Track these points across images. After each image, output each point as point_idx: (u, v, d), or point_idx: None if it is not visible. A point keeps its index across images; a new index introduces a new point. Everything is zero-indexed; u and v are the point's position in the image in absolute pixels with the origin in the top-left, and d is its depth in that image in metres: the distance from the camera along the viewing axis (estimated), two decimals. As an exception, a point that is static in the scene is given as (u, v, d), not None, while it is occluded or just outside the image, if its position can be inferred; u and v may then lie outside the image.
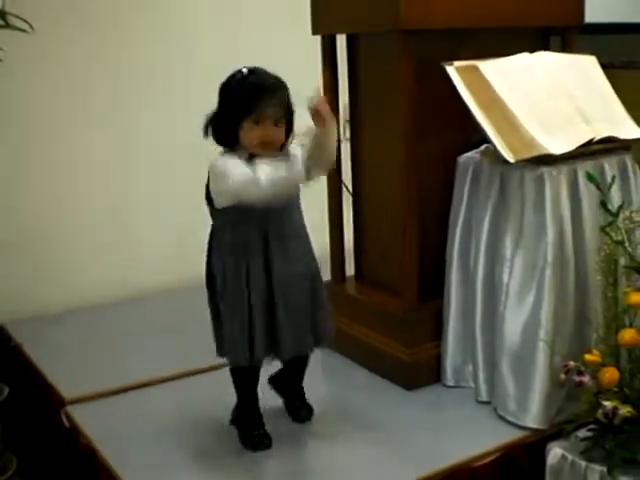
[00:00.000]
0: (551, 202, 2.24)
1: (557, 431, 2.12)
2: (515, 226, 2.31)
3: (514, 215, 2.31)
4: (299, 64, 3.19)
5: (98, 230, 3.41)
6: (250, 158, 2.04)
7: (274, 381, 2.35)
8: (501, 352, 2.32)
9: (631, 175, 2.44)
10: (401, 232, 2.50)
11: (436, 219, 2.53)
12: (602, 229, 2.09)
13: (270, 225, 2.09)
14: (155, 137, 3.45)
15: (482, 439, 2.21)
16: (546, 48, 2.67)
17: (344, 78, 2.76)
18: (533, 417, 2.24)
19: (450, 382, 2.51)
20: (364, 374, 2.62)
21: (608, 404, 1.93)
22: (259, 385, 2.24)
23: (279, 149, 2.08)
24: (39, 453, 2.57)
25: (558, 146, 2.30)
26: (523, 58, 2.49)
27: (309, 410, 2.33)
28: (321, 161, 2.11)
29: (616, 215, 2.08)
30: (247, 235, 2.08)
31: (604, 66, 2.63)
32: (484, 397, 2.41)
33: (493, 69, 2.41)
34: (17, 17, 2.52)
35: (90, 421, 2.36)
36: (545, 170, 2.26)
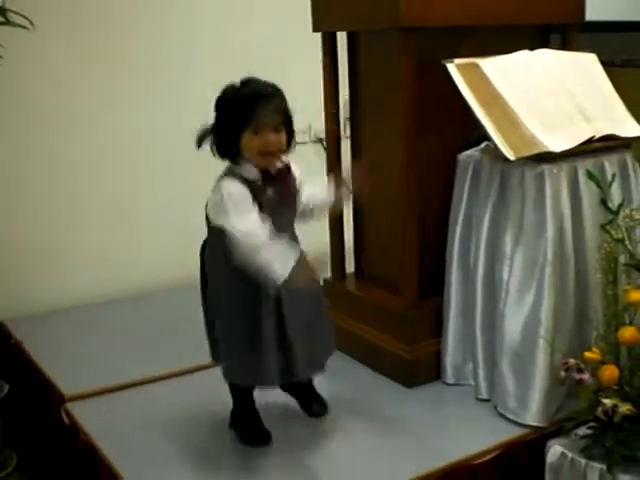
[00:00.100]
0: (551, 200, 2.24)
1: (557, 429, 2.12)
2: (515, 224, 2.31)
3: (514, 213, 2.31)
4: (299, 62, 3.21)
5: (98, 228, 3.41)
6: (264, 181, 2.04)
7: (285, 385, 2.33)
8: (501, 350, 2.32)
9: (631, 173, 2.44)
10: (401, 229, 2.50)
11: (436, 216, 2.53)
12: (602, 227, 2.10)
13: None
14: (156, 136, 3.45)
15: (482, 437, 2.21)
16: (546, 46, 2.67)
17: (344, 75, 2.76)
18: (533, 415, 2.24)
19: (450, 380, 2.51)
20: (364, 371, 2.62)
21: (608, 402, 1.93)
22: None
23: (282, 154, 2.08)
24: (39, 450, 2.57)
25: (558, 144, 2.30)
26: (523, 56, 2.49)
27: (323, 404, 2.30)
28: (314, 216, 2.21)
29: (616, 213, 2.08)
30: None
31: (604, 64, 2.63)
32: (484, 395, 2.41)
33: (493, 67, 2.40)
34: (17, 14, 2.52)
35: (90, 418, 2.36)
36: (545, 168, 2.26)
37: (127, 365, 2.69)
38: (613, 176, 2.29)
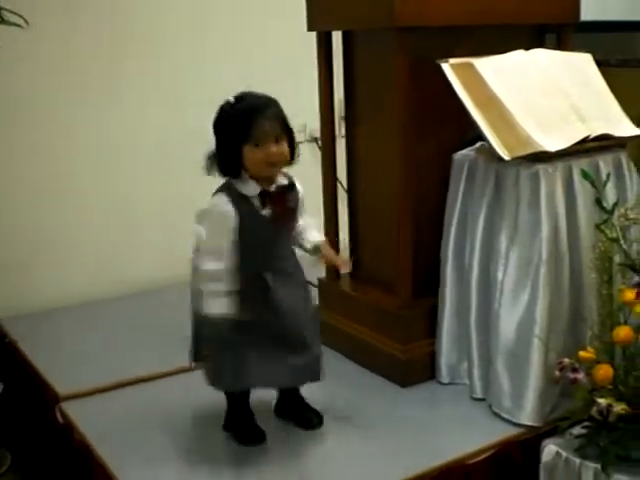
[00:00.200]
0: (546, 199, 2.25)
1: (552, 428, 2.12)
2: (510, 223, 2.31)
3: (509, 212, 2.31)
4: (294, 61, 3.21)
5: (95, 227, 3.41)
6: (262, 200, 2.05)
7: (278, 409, 2.35)
8: (496, 349, 2.32)
9: (626, 173, 2.45)
10: (396, 229, 2.50)
11: (431, 216, 2.53)
12: (597, 226, 2.10)
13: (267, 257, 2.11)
14: (154, 135, 3.45)
15: (477, 436, 2.21)
16: (541, 46, 2.67)
17: (340, 74, 2.75)
18: (528, 414, 2.25)
19: (445, 379, 2.51)
20: (358, 371, 2.62)
21: (602, 401, 1.93)
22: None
23: (286, 164, 2.09)
24: (33, 449, 2.56)
25: (553, 143, 2.30)
26: (518, 56, 2.49)
27: (318, 415, 2.30)
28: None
29: (611, 212, 2.08)
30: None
31: (599, 64, 2.63)
32: (479, 394, 2.41)
33: (488, 66, 2.40)
34: (12, 12, 2.51)
35: (84, 417, 2.36)
36: (540, 167, 2.26)
37: (122, 364, 2.68)
38: (608, 176, 2.28)
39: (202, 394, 2.41)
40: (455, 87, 2.33)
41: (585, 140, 2.37)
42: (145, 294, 3.37)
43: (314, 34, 2.74)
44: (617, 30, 3.79)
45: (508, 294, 2.29)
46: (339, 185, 2.87)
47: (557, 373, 2.04)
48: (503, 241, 2.32)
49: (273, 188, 2.08)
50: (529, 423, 2.24)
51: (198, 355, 2.20)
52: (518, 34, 2.63)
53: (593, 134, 2.39)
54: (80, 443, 2.26)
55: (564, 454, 2.00)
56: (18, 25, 2.49)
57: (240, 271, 2.06)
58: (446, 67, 2.35)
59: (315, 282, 2.85)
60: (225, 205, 2.03)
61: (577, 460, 1.97)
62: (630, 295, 1.98)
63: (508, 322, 2.29)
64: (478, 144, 2.44)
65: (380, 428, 2.29)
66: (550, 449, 2.03)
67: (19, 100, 3.17)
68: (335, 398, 2.44)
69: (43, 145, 3.26)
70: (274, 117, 2.04)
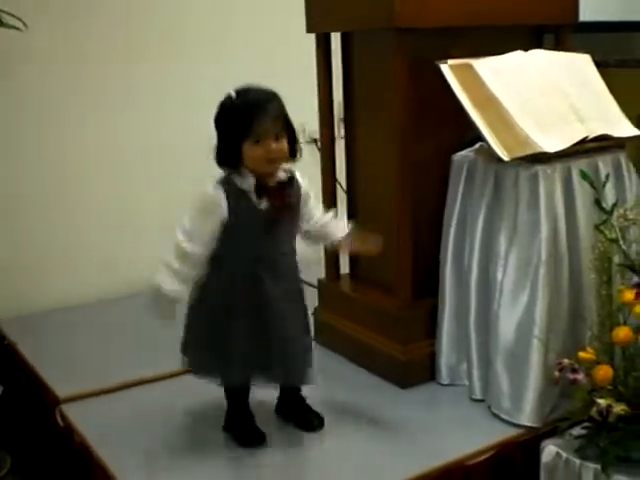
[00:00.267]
0: (545, 200, 2.25)
1: (551, 429, 2.12)
2: (509, 224, 2.31)
3: (508, 213, 2.31)
4: (293, 62, 3.21)
5: (94, 229, 3.41)
6: (258, 192, 2.06)
7: (279, 409, 2.35)
8: (495, 350, 2.32)
9: (625, 173, 2.45)
10: (395, 230, 2.50)
11: (430, 217, 2.53)
12: (596, 227, 2.09)
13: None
14: (153, 137, 3.45)
15: (476, 437, 2.21)
16: (540, 46, 2.67)
17: (339, 76, 2.75)
18: (527, 415, 2.25)
19: (445, 380, 2.51)
20: (358, 372, 2.62)
21: (602, 402, 1.93)
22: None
23: (285, 161, 2.09)
24: (33, 452, 2.56)
25: (552, 144, 2.30)
26: (517, 56, 2.49)
27: (319, 417, 2.30)
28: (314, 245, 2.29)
29: (610, 213, 2.08)
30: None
31: (598, 64, 2.63)
32: (478, 395, 2.41)
33: (487, 67, 2.41)
34: (11, 15, 2.51)
35: (84, 420, 2.35)
36: (539, 168, 2.26)
37: (122, 366, 2.68)
38: (607, 176, 2.28)
39: (203, 395, 2.42)
40: (454, 88, 2.33)
41: (584, 141, 2.37)
42: (144, 296, 3.35)
43: (313, 35, 2.74)
44: (616, 30, 3.79)
45: (507, 295, 2.29)
46: (338, 186, 2.86)
47: (557, 374, 2.04)
48: (502, 242, 2.32)
49: (272, 183, 2.08)
50: (529, 424, 2.24)
51: (185, 346, 2.22)
52: (517, 35, 2.63)
53: (592, 135, 2.39)
54: (80, 445, 2.26)
55: (564, 455, 2.00)
56: (17, 28, 2.49)
57: (234, 264, 2.08)
58: (445, 68, 2.35)
59: (315, 283, 2.85)
60: (217, 197, 2.04)
61: (577, 461, 1.97)
62: (629, 296, 1.98)
63: (507, 323, 2.29)
64: (477, 145, 2.44)
65: (380, 429, 2.29)
66: (550, 450, 2.03)
67: (25, 103, 3.18)
68: (335, 399, 2.44)
69: (48, 148, 3.27)
70: (275, 114, 2.03)
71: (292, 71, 3.20)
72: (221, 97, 2.08)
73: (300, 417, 2.30)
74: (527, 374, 2.25)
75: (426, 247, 2.54)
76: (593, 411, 1.94)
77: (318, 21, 2.70)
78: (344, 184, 2.84)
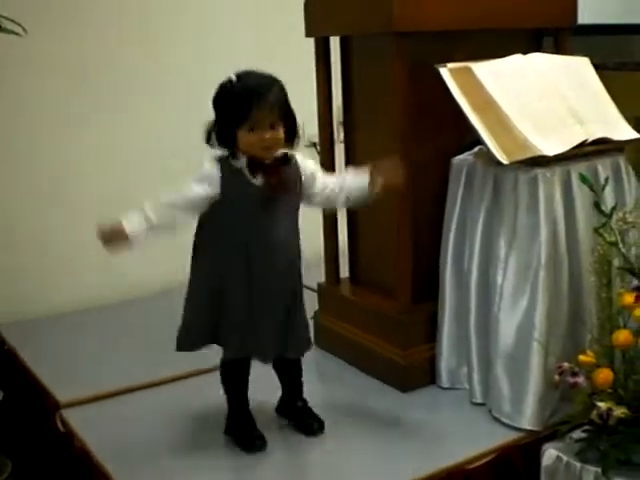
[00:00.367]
0: (545, 203, 2.25)
1: (552, 432, 2.12)
2: (509, 228, 2.31)
3: (508, 216, 2.31)
4: (292, 66, 3.20)
5: (94, 232, 3.39)
6: (251, 168, 2.06)
7: (280, 409, 2.35)
8: (495, 354, 2.32)
9: (624, 176, 2.45)
10: (395, 234, 2.50)
11: (430, 221, 2.53)
12: (596, 230, 2.10)
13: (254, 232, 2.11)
14: (153, 138, 3.45)
15: (477, 441, 2.21)
16: (539, 50, 2.68)
17: (338, 80, 2.76)
18: (528, 418, 2.25)
19: (445, 384, 2.51)
20: (358, 376, 2.62)
21: (602, 405, 1.93)
22: (251, 387, 2.25)
23: (280, 148, 2.09)
24: (34, 457, 2.56)
25: (551, 147, 2.30)
26: (516, 60, 2.49)
27: (320, 421, 2.30)
28: (344, 199, 2.22)
29: (609, 216, 2.08)
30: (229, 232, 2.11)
31: (597, 67, 2.64)
32: (479, 399, 2.41)
33: (486, 71, 2.41)
34: (10, 20, 2.51)
35: (85, 425, 2.35)
36: (539, 172, 2.26)
37: (123, 371, 2.68)
38: (606, 179, 2.28)
39: (203, 399, 2.43)
40: (453, 91, 2.34)
41: (583, 144, 2.38)
42: (144, 300, 3.37)
43: (312, 39, 2.74)
44: (614, 33, 3.80)
45: (507, 298, 2.29)
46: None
47: (557, 377, 2.04)
48: (502, 245, 2.32)
49: (267, 160, 2.08)
50: (529, 427, 2.24)
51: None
52: (516, 38, 2.63)
53: (591, 138, 2.40)
54: (80, 450, 2.25)
55: (565, 458, 1.99)
56: (16, 33, 2.49)
57: (227, 238, 2.09)
58: (444, 72, 2.35)
59: (315, 287, 2.85)
60: (212, 170, 2.07)
61: (578, 464, 1.96)
62: (629, 299, 1.98)
63: (507, 326, 2.29)
64: (476, 148, 2.45)
65: (380, 433, 2.29)
66: (550, 453, 2.03)
67: (24, 107, 3.19)
68: (335, 403, 2.44)
69: (48, 150, 3.27)
70: (272, 102, 2.03)
71: (292, 74, 3.19)
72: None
73: (300, 421, 2.30)
74: (527, 378, 2.25)
75: (426, 251, 2.54)
76: (593, 414, 1.94)
77: (317, 25, 2.70)
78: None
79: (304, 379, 2.33)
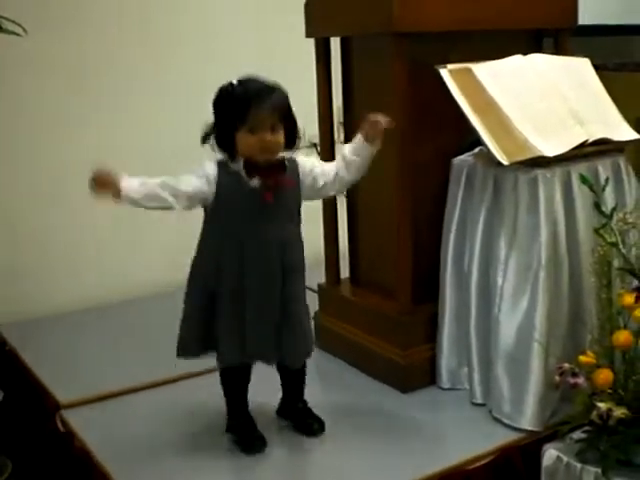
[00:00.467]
0: (545, 204, 2.25)
1: (552, 433, 2.12)
2: (509, 228, 2.31)
3: (508, 217, 2.31)
4: (293, 66, 3.20)
5: (94, 233, 3.40)
6: (248, 170, 2.05)
7: (281, 411, 2.35)
8: (496, 354, 2.32)
9: (625, 177, 2.45)
10: (395, 234, 2.50)
11: (430, 221, 2.53)
12: (596, 231, 2.10)
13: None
14: (153, 138, 3.45)
15: (477, 441, 2.21)
16: (539, 50, 2.68)
17: (338, 80, 2.76)
18: (528, 419, 2.25)
19: (445, 384, 2.51)
20: (358, 376, 2.62)
21: (602, 406, 1.93)
22: (251, 389, 2.25)
23: (280, 152, 2.09)
24: (34, 457, 2.56)
25: (552, 148, 2.30)
26: (516, 60, 2.49)
27: (320, 422, 2.29)
28: (356, 170, 2.18)
29: (610, 217, 2.08)
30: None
31: (597, 68, 2.64)
32: (479, 399, 2.41)
33: (486, 71, 2.41)
34: (10, 21, 2.51)
35: (85, 425, 2.35)
36: (539, 172, 2.26)
37: (123, 372, 2.68)
38: (606, 180, 2.29)
39: (203, 400, 2.43)
40: (453, 92, 2.34)
41: (583, 145, 2.38)
42: (144, 301, 3.37)
43: (312, 40, 2.74)
44: (614, 34, 3.80)
45: (508, 299, 2.30)
46: (338, 190, 2.86)
47: (557, 378, 2.04)
48: (502, 246, 2.32)
49: (263, 163, 2.07)
50: (529, 428, 2.24)
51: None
52: (516, 39, 2.63)
53: (591, 138, 2.40)
54: (81, 451, 2.26)
55: (565, 459, 2.00)
56: (17, 34, 2.49)
57: (223, 238, 2.09)
58: (444, 72, 2.35)
59: (315, 287, 2.85)
60: (210, 168, 2.07)
61: (578, 465, 1.96)
62: (629, 299, 1.98)
63: (508, 327, 2.29)
64: (476, 149, 2.45)
65: (380, 434, 2.29)
66: (551, 454, 2.03)
67: (24, 107, 3.19)
68: (335, 403, 2.44)
69: (48, 150, 3.27)
70: (273, 106, 2.03)
71: (292, 75, 3.19)
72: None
73: (300, 421, 2.30)
74: (528, 378, 2.25)
75: (426, 251, 2.54)
76: (593, 415, 1.94)
77: (317, 26, 2.70)
78: (344, 188, 2.84)
79: (304, 380, 2.33)
